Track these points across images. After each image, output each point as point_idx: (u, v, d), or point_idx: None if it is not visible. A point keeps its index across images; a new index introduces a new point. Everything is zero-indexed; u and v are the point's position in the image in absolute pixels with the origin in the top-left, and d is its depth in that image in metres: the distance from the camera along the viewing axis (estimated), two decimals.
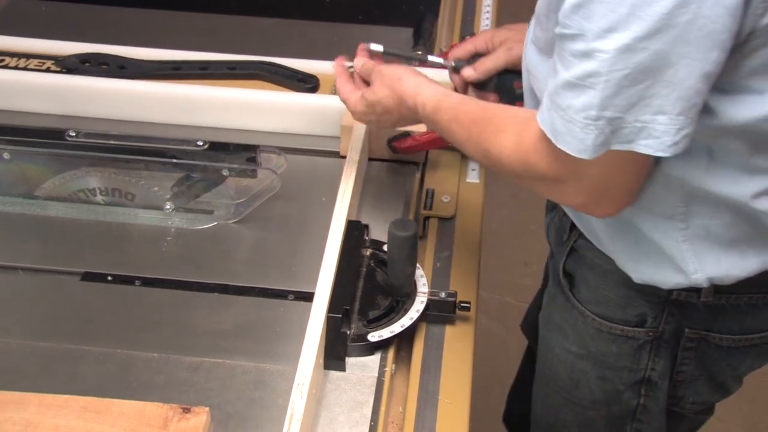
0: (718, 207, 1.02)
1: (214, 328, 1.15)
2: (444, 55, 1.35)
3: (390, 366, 1.11)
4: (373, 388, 1.08)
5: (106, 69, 1.52)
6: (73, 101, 1.46)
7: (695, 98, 0.86)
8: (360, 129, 1.36)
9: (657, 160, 0.97)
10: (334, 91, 1.27)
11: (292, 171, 1.34)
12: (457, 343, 1.16)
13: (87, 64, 1.52)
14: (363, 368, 1.10)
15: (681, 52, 0.83)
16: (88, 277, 1.22)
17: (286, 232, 1.30)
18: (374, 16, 1.75)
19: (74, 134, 1.31)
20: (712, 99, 0.89)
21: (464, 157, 1.43)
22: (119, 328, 1.16)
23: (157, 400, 1.01)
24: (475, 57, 1.29)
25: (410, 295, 1.15)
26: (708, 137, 0.94)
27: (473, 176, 1.41)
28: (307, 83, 1.51)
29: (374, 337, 1.11)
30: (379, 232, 1.25)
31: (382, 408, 1.06)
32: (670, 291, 1.12)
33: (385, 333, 1.11)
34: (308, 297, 1.12)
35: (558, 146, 0.91)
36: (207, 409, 1.00)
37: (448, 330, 1.17)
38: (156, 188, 1.31)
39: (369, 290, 1.16)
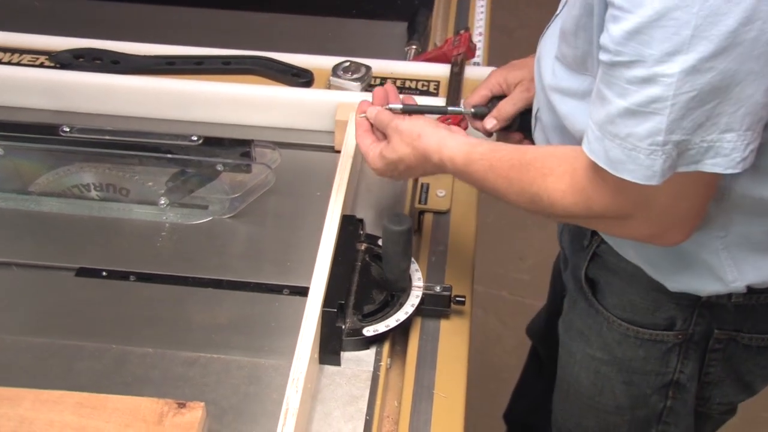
0: (759, 213, 1.01)
1: (209, 323, 1.15)
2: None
3: (385, 360, 1.11)
4: (369, 383, 1.08)
5: (99, 64, 1.51)
6: (67, 97, 1.46)
7: (762, 112, 0.85)
8: (354, 123, 1.35)
9: None
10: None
11: (286, 166, 1.34)
12: (453, 337, 1.16)
13: (81, 60, 1.52)
14: (358, 362, 1.10)
15: (747, 69, 0.82)
16: (82, 272, 1.21)
17: (280, 226, 1.30)
18: (368, 10, 1.75)
19: (68, 129, 1.31)
20: None
21: None
22: (114, 324, 1.15)
23: (152, 395, 1.01)
24: (492, 101, 1.28)
25: (405, 289, 1.15)
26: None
27: None
28: (302, 78, 1.50)
29: (369, 331, 1.11)
30: (373, 226, 1.25)
31: (378, 402, 1.06)
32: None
33: (380, 327, 1.11)
34: (303, 291, 1.12)
35: (619, 176, 0.89)
36: (202, 404, 1.00)
37: (444, 324, 1.17)
38: (150, 183, 1.31)
39: (364, 285, 1.16)
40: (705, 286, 1.08)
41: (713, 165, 0.87)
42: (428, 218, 1.32)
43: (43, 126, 1.34)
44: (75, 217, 1.30)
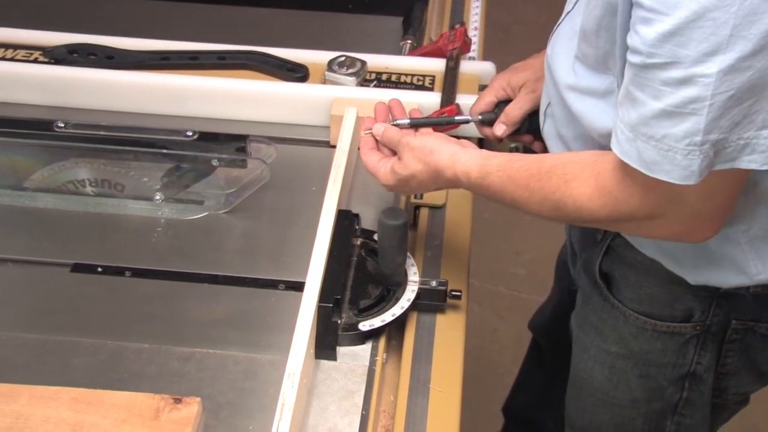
0: None
1: (205, 319, 1.15)
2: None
3: (381, 355, 1.11)
4: (365, 377, 1.08)
5: (94, 59, 1.51)
6: (62, 92, 1.46)
7: None
8: (350, 118, 1.35)
9: None
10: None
11: (281, 161, 1.34)
12: (449, 332, 1.16)
13: (75, 55, 1.51)
14: (354, 357, 1.10)
15: None
16: (77, 268, 1.21)
17: (276, 221, 1.30)
18: (364, 5, 1.75)
19: (63, 125, 1.31)
20: None
21: None
22: (110, 320, 1.15)
23: (148, 390, 1.01)
24: (499, 106, 1.28)
25: (401, 284, 1.15)
26: None
27: None
28: (297, 73, 1.50)
29: (365, 326, 1.11)
30: (369, 221, 1.25)
31: (374, 397, 1.06)
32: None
33: (376, 322, 1.11)
34: (299, 287, 1.12)
35: (654, 177, 0.89)
36: (198, 399, 1.00)
37: (439, 319, 1.17)
38: (146, 179, 1.31)
39: (360, 279, 1.16)
40: (728, 279, 1.09)
41: (749, 162, 0.87)
42: (424, 213, 1.32)
43: (37, 121, 1.33)
44: (70, 213, 1.30)
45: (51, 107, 1.45)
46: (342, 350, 1.11)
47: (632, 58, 0.88)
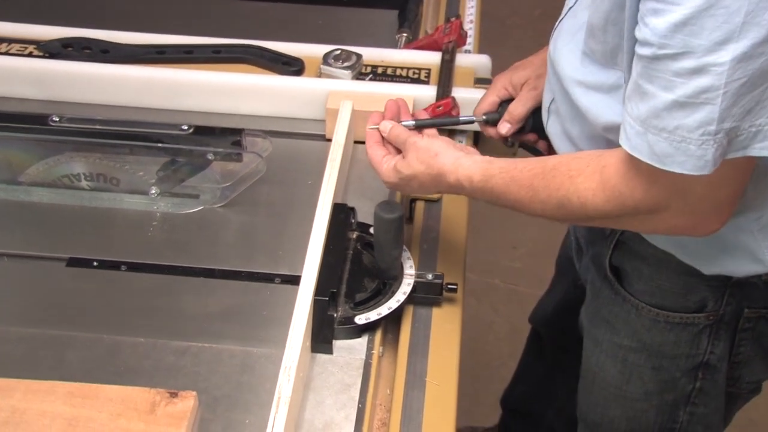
0: None
1: (201, 313, 1.15)
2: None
3: (377, 348, 1.11)
4: (361, 371, 1.08)
5: (89, 53, 1.50)
6: (56, 86, 1.45)
7: None
8: (345, 111, 1.35)
9: None
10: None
11: (277, 154, 1.34)
12: (445, 325, 1.16)
13: (70, 49, 1.51)
14: (350, 351, 1.10)
15: None
16: (73, 262, 1.21)
17: (272, 215, 1.30)
18: None
19: (58, 119, 1.31)
20: None
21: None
22: (105, 314, 1.15)
23: (144, 384, 1.01)
24: (502, 105, 1.28)
25: (397, 277, 1.15)
26: None
27: None
28: (292, 66, 1.50)
29: (361, 319, 1.11)
30: (365, 214, 1.25)
31: (370, 390, 1.06)
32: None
33: (372, 315, 1.11)
34: (295, 280, 1.12)
35: (667, 169, 0.89)
36: (194, 393, 1.00)
37: (436, 312, 1.17)
38: (141, 173, 1.31)
39: (356, 273, 1.16)
40: (742, 267, 1.09)
41: (761, 149, 0.87)
42: (420, 206, 1.32)
43: (32, 116, 1.33)
44: (65, 207, 1.30)
45: (46, 101, 1.45)
46: (338, 344, 1.11)
47: (642, 50, 0.88)
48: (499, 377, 2.15)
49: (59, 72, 1.45)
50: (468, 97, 1.38)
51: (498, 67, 1.51)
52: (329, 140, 1.33)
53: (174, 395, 1.00)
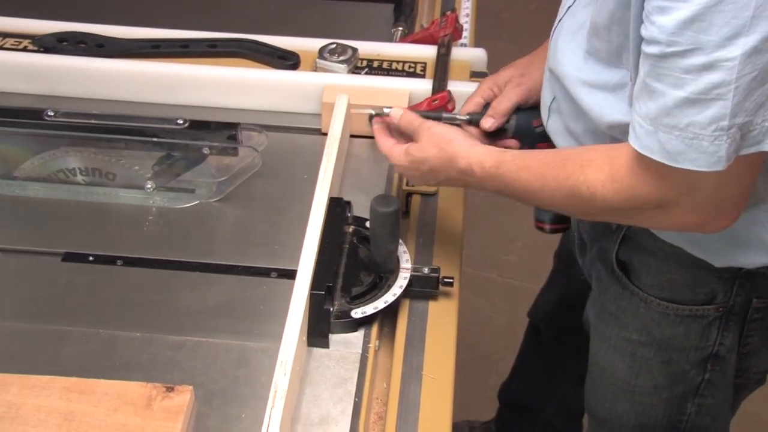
0: None
1: (197, 307, 1.15)
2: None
3: (374, 342, 1.11)
4: (357, 365, 1.08)
5: (84, 48, 1.50)
6: (51, 81, 1.45)
7: None
8: (341, 105, 1.35)
9: None
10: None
11: (273, 148, 1.34)
12: (441, 319, 1.16)
13: (65, 43, 1.51)
14: (346, 345, 1.10)
15: None
16: (69, 257, 1.21)
17: (268, 209, 1.29)
18: None
19: (53, 114, 1.30)
20: None
21: None
22: (101, 308, 1.15)
23: (141, 379, 1.01)
24: (486, 107, 1.27)
25: (393, 271, 1.15)
26: None
27: None
28: (288, 60, 1.50)
29: (357, 313, 1.11)
30: (361, 208, 1.24)
31: (366, 384, 1.06)
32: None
33: (369, 309, 1.11)
34: (291, 274, 1.12)
35: (680, 167, 0.89)
36: (190, 387, 1.00)
37: (432, 306, 1.17)
38: (137, 167, 1.30)
39: (352, 267, 1.16)
40: (754, 259, 1.09)
41: None
42: (416, 200, 1.32)
43: (27, 110, 1.33)
44: (61, 202, 1.29)
45: (40, 96, 1.45)
46: (334, 338, 1.11)
47: (649, 48, 0.88)
48: (495, 371, 2.15)
49: (54, 66, 1.45)
50: (464, 91, 1.38)
51: (493, 61, 1.51)
52: (325, 134, 1.32)
53: (170, 389, 1.00)
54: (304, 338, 1.07)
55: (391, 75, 1.48)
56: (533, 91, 1.24)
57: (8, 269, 1.21)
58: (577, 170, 1.00)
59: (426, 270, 1.16)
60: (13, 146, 1.32)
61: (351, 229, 1.21)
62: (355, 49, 1.49)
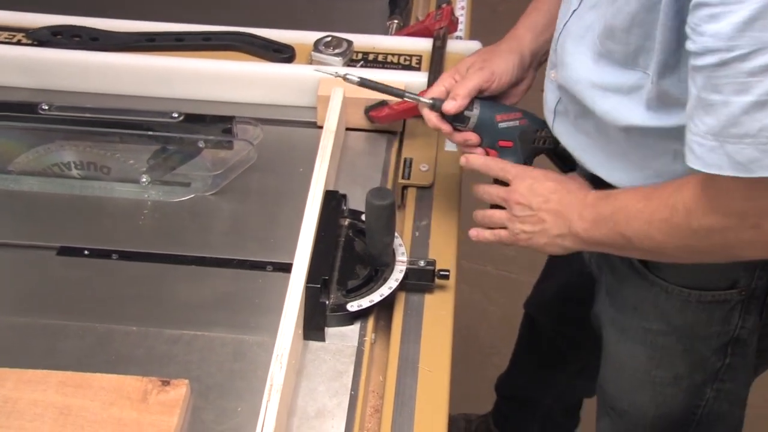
0: None
1: (193, 301, 1.15)
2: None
3: (369, 335, 1.11)
4: (353, 358, 1.08)
5: (78, 41, 1.50)
6: (46, 74, 1.44)
7: None
8: (336, 99, 1.35)
9: None
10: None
11: (268, 142, 1.33)
12: (437, 312, 1.16)
13: (59, 37, 1.50)
14: (342, 338, 1.11)
15: None
16: (64, 251, 1.21)
17: (263, 203, 1.29)
18: None
19: (47, 107, 1.30)
20: None
21: None
22: (97, 302, 1.15)
23: (136, 373, 1.01)
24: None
25: (389, 264, 1.15)
26: None
27: (451, 145, 1.40)
28: (283, 53, 1.49)
29: (353, 306, 1.11)
30: (357, 201, 1.24)
31: (363, 377, 1.06)
32: None
33: (364, 302, 1.11)
34: (287, 268, 1.12)
35: (755, 176, 0.86)
36: (186, 381, 1.00)
37: (428, 298, 1.17)
38: (132, 161, 1.30)
39: (347, 260, 1.16)
40: None
41: None
42: (411, 193, 1.32)
43: (21, 104, 1.33)
44: (56, 196, 1.29)
45: (35, 90, 1.44)
46: (330, 331, 1.11)
47: (702, 60, 0.86)
48: (491, 364, 2.15)
49: (48, 60, 1.44)
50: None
51: None
52: (320, 127, 1.32)
53: (166, 383, 1.00)
54: (300, 331, 1.07)
55: (387, 68, 1.48)
56: (495, 75, 1.21)
57: (3, 263, 1.21)
58: (676, 190, 0.98)
59: (422, 263, 1.16)
60: (8, 140, 1.32)
61: (347, 222, 1.21)
62: (350, 42, 1.49)
